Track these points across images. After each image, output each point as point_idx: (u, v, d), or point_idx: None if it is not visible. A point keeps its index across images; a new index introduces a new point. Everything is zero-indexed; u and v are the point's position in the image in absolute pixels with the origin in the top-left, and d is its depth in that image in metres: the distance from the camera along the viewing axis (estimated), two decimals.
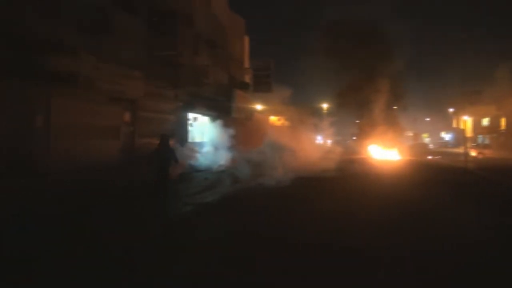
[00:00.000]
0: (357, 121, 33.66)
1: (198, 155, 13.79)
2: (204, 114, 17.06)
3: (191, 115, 15.73)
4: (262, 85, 24.03)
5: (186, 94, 14.70)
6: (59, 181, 8.06)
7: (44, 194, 7.18)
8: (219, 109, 17.42)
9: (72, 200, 6.88)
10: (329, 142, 30.99)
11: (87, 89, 9.31)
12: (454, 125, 49.75)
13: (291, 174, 11.12)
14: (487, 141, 41.15)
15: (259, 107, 30.49)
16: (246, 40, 23.98)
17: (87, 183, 8.50)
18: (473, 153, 25.22)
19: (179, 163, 6.60)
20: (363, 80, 26.52)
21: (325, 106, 46.23)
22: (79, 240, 4.86)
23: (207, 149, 14.92)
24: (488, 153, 28.67)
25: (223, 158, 13.94)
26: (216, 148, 14.78)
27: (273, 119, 27.37)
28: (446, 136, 57.00)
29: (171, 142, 6.38)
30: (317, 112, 31.41)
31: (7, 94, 7.66)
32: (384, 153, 25.64)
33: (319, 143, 29.63)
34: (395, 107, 30.68)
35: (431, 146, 40.67)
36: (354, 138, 29.93)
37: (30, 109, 8.12)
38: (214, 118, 17.26)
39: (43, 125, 8.33)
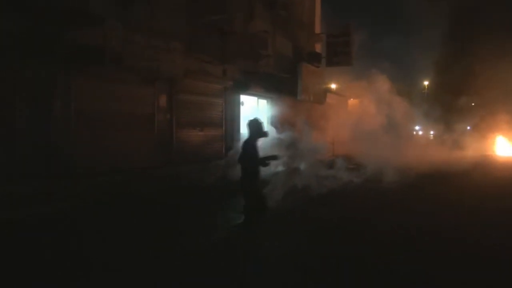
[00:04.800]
0: (473, 104, 31.07)
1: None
2: (260, 96, 16.64)
3: (243, 98, 15.39)
4: (339, 57, 22.63)
5: (239, 70, 14.37)
6: (86, 186, 8.23)
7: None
8: (280, 89, 16.85)
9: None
10: (431, 133, 28.82)
11: (115, 67, 9.36)
12: None
13: None
14: None
15: (334, 86, 29.33)
16: None
17: (116, 188, 8.60)
18: None
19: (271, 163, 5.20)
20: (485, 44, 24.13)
21: (426, 83, 43.22)
22: None
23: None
24: None
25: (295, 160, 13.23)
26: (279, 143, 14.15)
27: (353, 102, 26.07)
28: None
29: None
30: (415, 94, 29.35)
31: (19, 75, 7.90)
32: None
33: (419, 136, 27.74)
34: None
35: None
36: (469, 128, 27.35)
37: (46, 93, 8.35)
38: (274, 101, 16.76)
39: (62, 113, 8.56)
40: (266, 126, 16.45)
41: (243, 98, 15.28)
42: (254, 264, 4.82)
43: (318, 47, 22.37)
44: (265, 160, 5.15)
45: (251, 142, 5.27)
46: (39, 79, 8.20)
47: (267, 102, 17.08)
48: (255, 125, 5.33)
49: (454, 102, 29.27)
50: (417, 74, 42.14)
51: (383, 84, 16.81)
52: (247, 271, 4.62)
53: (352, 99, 26.36)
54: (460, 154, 19.01)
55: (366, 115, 17.26)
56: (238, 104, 14.91)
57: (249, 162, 5.15)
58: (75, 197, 7.61)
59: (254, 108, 16.59)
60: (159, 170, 10.60)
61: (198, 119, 12.67)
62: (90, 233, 5.83)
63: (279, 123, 14.82)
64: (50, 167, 8.19)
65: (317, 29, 22.74)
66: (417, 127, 31.75)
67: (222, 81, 13.73)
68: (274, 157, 5.22)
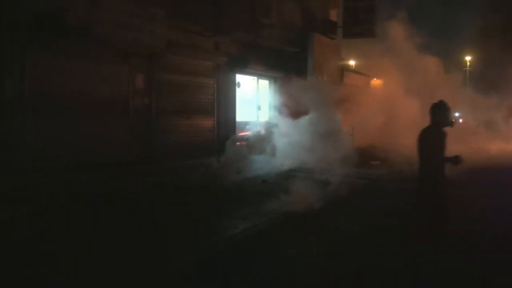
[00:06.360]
0: None
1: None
2: (261, 76, 16.68)
3: (239, 78, 15.45)
4: (360, 26, 22.63)
5: (234, 43, 14.40)
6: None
7: None
8: (287, 67, 16.88)
9: None
10: (475, 121, 29.03)
11: (79, 38, 9.37)
12: None
13: None
14: None
15: (353, 62, 29.34)
16: None
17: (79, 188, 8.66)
18: None
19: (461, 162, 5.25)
20: None
21: (468, 59, 43.27)
22: None
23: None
24: None
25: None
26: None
27: (377, 82, 26.12)
28: None
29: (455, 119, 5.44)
30: (454, 72, 29.34)
31: None
32: None
33: (461, 124, 27.88)
34: None
35: None
36: None
37: None
38: (278, 82, 16.78)
39: (15, 95, 8.59)
40: (269, 112, 16.58)
41: (240, 78, 15.32)
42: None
43: (334, 14, 22.33)
44: (455, 159, 5.18)
45: (434, 131, 5.31)
46: None
47: (270, 83, 17.10)
48: (441, 110, 5.33)
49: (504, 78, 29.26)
50: (457, 48, 42.16)
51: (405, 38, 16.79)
52: None
53: (375, 79, 26.42)
54: None
55: (394, 98, 17.34)
56: (233, 85, 14.93)
57: (432, 157, 5.20)
58: (32, 200, 7.65)
59: (253, 90, 16.65)
60: (135, 167, 10.68)
61: (183, 104, 12.73)
62: (50, 246, 5.86)
63: (286, 108, 14.88)
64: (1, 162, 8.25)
65: None
66: (457, 114, 32.02)
67: (213, 56, 13.74)
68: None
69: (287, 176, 11.59)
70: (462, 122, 30.63)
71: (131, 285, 4.94)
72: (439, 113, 5.28)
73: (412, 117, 16.44)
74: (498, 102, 23.19)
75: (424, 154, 5.25)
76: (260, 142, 13.69)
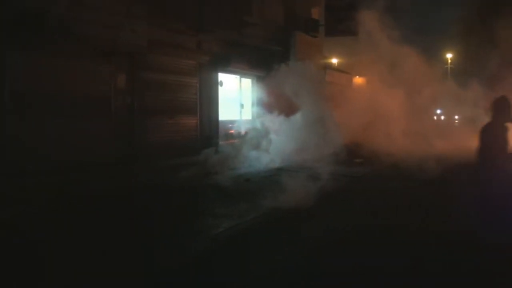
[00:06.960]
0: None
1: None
2: (244, 75, 16.74)
3: (222, 77, 15.47)
4: (342, 24, 22.84)
5: (217, 42, 14.41)
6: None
7: None
8: (269, 66, 16.93)
9: None
10: (456, 118, 29.45)
11: (60, 37, 9.34)
12: None
13: None
14: None
15: (335, 61, 29.50)
16: None
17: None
18: None
19: None
20: None
21: (449, 56, 43.76)
22: None
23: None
24: None
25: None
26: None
27: (359, 80, 26.34)
28: None
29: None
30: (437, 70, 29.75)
31: None
32: None
33: (442, 121, 28.27)
34: None
35: None
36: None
37: None
38: (261, 80, 16.83)
39: None
40: (252, 109, 16.61)
41: (222, 76, 15.34)
42: None
43: (316, 13, 22.40)
44: None
45: (495, 126, 5.25)
46: None
47: (252, 81, 17.15)
48: (502, 105, 5.27)
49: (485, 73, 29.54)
50: (438, 45, 42.71)
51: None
52: None
53: (358, 76, 26.63)
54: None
55: (376, 95, 17.51)
56: (216, 84, 14.96)
57: (493, 152, 5.13)
58: (9, 204, 7.58)
59: (235, 89, 16.69)
60: (119, 166, 10.65)
61: (166, 103, 12.73)
62: (31, 254, 5.78)
63: (270, 105, 14.95)
64: None
65: None
66: (438, 111, 32.41)
67: (196, 55, 13.75)
68: None
69: (273, 175, 11.68)
70: (444, 119, 31.11)
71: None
72: (500, 108, 5.24)
73: (395, 114, 16.70)
74: (479, 99, 23.46)
75: (485, 149, 5.21)
76: (255, 139, 13.70)
